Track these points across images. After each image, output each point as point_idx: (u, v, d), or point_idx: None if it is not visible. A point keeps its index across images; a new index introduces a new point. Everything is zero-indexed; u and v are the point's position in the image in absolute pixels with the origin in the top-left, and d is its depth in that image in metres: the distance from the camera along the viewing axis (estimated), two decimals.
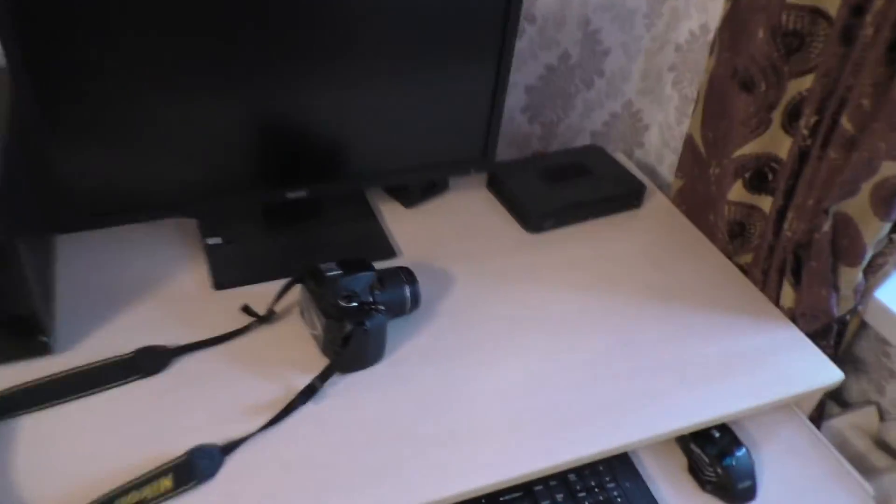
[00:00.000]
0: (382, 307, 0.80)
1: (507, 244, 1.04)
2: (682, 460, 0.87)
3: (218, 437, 0.73)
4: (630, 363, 0.86)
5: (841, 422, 0.99)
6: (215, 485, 0.69)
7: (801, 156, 0.89)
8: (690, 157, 1.11)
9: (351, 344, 0.78)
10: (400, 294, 0.85)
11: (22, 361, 0.78)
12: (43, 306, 0.78)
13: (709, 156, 1.07)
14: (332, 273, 0.80)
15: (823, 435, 0.94)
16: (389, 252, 0.99)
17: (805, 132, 0.87)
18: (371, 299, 0.82)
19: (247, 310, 0.86)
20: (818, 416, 0.98)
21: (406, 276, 0.86)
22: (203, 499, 0.68)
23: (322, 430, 0.76)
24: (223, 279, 0.91)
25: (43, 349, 0.79)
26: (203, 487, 0.69)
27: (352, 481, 0.71)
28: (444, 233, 1.04)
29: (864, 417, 1.01)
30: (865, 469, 0.94)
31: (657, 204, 1.15)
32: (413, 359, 0.84)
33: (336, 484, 0.71)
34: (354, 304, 0.79)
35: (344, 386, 0.81)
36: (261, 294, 0.90)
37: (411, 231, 1.04)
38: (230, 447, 0.72)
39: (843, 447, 0.96)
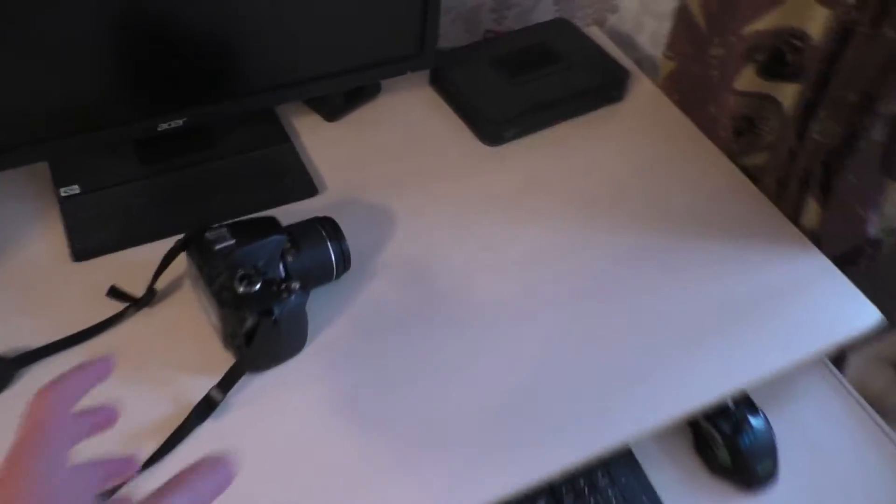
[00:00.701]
0: (297, 284, 0.59)
1: (459, 162, 0.82)
2: (688, 435, 0.71)
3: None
4: (620, 322, 0.67)
5: (863, 356, 0.84)
6: None
7: (843, 34, 0.67)
8: (685, 32, 0.87)
9: (257, 340, 0.57)
10: (322, 257, 0.64)
11: None
12: None
13: (710, 31, 0.83)
14: (223, 245, 0.58)
15: (847, 376, 0.79)
16: (309, 189, 0.76)
17: (851, 1, 0.65)
18: (282, 273, 0.61)
19: (115, 292, 0.65)
20: (842, 356, 0.82)
21: (328, 229, 0.65)
22: None
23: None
24: (84, 246, 0.69)
25: None
26: None
27: None
28: (378, 151, 0.81)
29: (889, 346, 0.86)
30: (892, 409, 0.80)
31: (642, 92, 0.92)
32: (347, 341, 0.65)
33: None
34: (257, 286, 0.57)
35: (256, 390, 0.61)
36: (139, 263, 0.67)
37: (337, 153, 0.81)
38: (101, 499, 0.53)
39: (865, 387, 0.82)
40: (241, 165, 0.77)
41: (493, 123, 0.82)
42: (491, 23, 1.02)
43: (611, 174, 0.81)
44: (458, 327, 0.66)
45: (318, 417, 0.59)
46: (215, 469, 0.29)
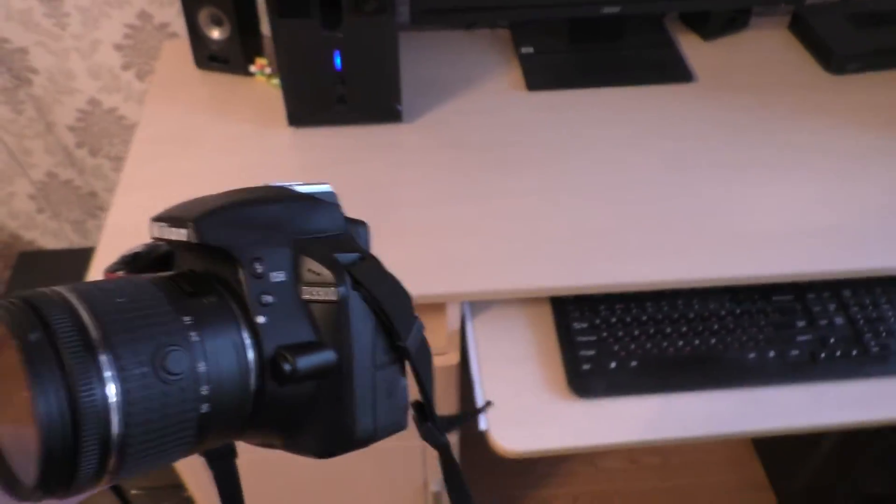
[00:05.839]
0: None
1: (804, 81, 1.05)
2: None
3: None
4: None
5: None
6: None
7: None
8: None
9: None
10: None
11: (379, 125, 0.98)
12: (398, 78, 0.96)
13: None
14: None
15: None
16: (687, 76, 1.05)
17: None
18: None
19: None
20: None
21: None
22: None
23: None
24: (535, 81, 1.04)
25: (396, 116, 0.97)
26: None
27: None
28: (739, 66, 1.08)
29: None
30: None
31: None
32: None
33: None
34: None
35: None
36: (564, 103, 1.01)
37: (707, 62, 1.08)
38: None
39: None
40: (638, 55, 1.08)
41: (838, 53, 1.04)
42: None
43: None
44: (783, 176, 0.90)
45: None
46: None
